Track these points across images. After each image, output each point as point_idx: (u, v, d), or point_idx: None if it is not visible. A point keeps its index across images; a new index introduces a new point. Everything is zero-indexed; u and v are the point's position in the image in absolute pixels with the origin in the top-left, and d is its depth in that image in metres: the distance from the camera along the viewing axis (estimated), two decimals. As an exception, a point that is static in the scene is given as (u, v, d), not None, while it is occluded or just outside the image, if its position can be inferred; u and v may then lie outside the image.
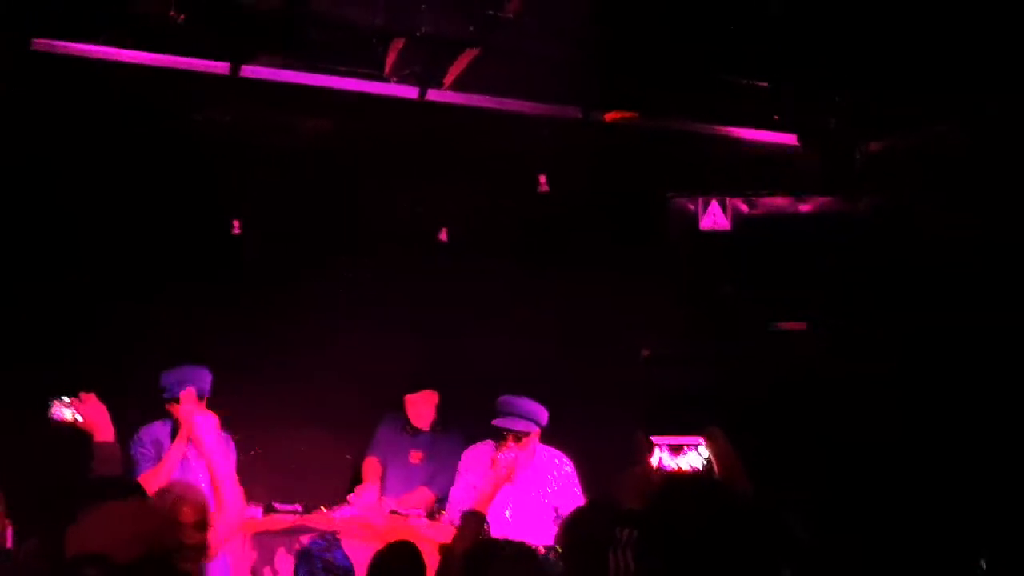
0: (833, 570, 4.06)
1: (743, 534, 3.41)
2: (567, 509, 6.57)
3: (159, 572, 3.61)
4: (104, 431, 5.14)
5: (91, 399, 5.24)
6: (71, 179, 7.10)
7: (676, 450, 4.94)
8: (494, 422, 6.54)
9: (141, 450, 6.62)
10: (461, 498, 6.57)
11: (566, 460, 6.75)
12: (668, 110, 7.21)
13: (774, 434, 5.85)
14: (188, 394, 6.36)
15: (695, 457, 4.91)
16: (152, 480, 6.30)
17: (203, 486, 6.51)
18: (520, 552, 4.47)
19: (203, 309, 7.59)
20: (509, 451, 6.45)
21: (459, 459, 6.95)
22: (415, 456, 7.55)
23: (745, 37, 6.49)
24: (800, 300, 6.60)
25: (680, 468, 5.00)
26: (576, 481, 6.69)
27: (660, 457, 5.01)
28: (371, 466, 7.54)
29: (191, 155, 7.15)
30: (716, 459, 4.45)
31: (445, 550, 5.06)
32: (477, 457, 6.72)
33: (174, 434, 6.52)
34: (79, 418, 5.24)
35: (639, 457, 5.06)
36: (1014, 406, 6.08)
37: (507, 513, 6.64)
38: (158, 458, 6.52)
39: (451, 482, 6.89)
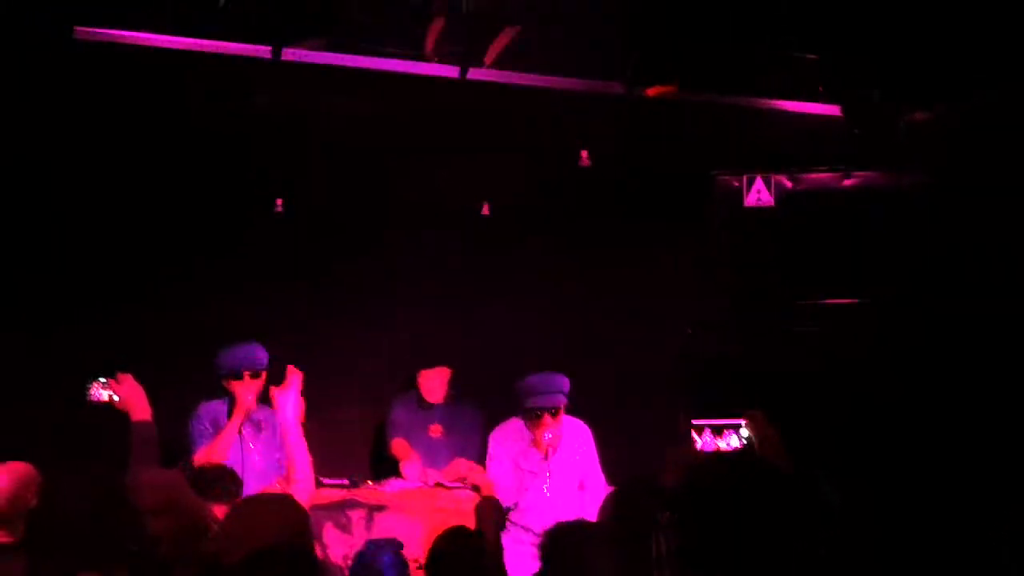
0: (865, 541, 4.05)
1: (783, 513, 3.41)
2: (590, 480, 6.64)
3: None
4: (141, 411, 5.14)
5: (128, 379, 5.23)
6: (118, 164, 7.15)
7: (718, 432, 4.94)
8: (532, 403, 6.56)
9: (199, 426, 6.67)
10: (502, 476, 6.62)
11: (586, 428, 6.77)
12: (710, 84, 7.16)
13: (817, 411, 5.83)
14: (247, 374, 6.44)
15: (736, 438, 4.91)
16: (206, 457, 6.41)
17: (258, 463, 6.65)
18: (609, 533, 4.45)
19: (248, 288, 7.65)
20: (551, 429, 6.57)
21: (476, 429, 7.07)
22: (435, 431, 7.54)
23: (787, 7, 6.44)
24: (845, 277, 6.55)
25: (721, 449, 5.01)
26: (595, 449, 6.73)
27: (703, 438, 5.02)
28: (401, 446, 7.55)
29: (234, 138, 7.19)
30: (757, 440, 4.45)
31: (476, 539, 5.05)
32: (508, 435, 6.77)
33: (230, 412, 6.61)
34: (116, 398, 5.27)
35: (682, 438, 5.07)
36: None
37: (545, 488, 6.68)
38: (215, 435, 6.60)
39: (477, 451, 6.94)
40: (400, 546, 4.57)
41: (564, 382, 6.64)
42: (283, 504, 4.05)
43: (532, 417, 6.60)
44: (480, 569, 4.48)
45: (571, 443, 6.76)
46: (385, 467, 7.55)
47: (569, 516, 6.22)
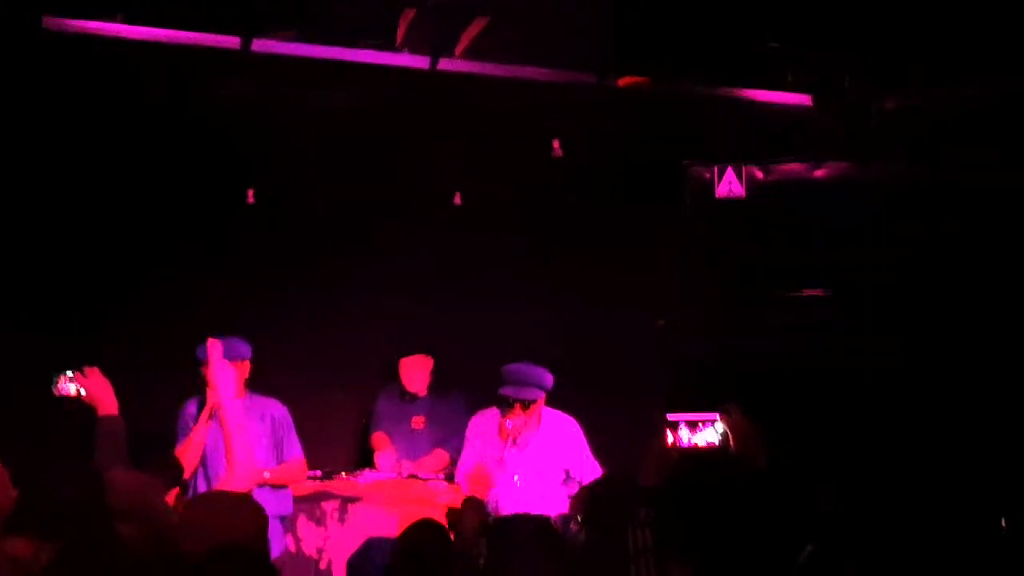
0: (858, 542, 4.08)
1: (760, 508, 3.44)
2: (578, 470, 6.64)
3: None
4: (108, 405, 5.11)
5: (95, 373, 5.20)
6: (86, 157, 7.10)
7: (694, 426, 4.95)
8: (501, 391, 6.55)
9: (181, 423, 6.70)
10: (468, 465, 6.62)
11: (573, 423, 6.77)
12: (682, 73, 7.16)
13: (790, 402, 5.85)
14: (214, 349, 6.37)
15: (711, 433, 4.92)
16: (182, 454, 6.38)
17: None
18: (539, 527, 4.47)
19: (222, 280, 7.62)
20: (515, 419, 6.53)
21: (462, 420, 7.00)
22: (417, 422, 7.55)
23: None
24: (816, 267, 6.57)
25: (697, 444, 5.02)
26: (586, 443, 6.73)
27: (678, 434, 5.03)
28: (380, 439, 7.56)
29: (204, 129, 7.14)
30: (732, 435, 4.46)
31: (442, 533, 5.04)
32: (484, 424, 6.74)
33: (202, 407, 6.59)
34: (83, 392, 5.24)
35: (657, 434, 5.07)
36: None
37: (516, 478, 6.67)
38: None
39: (462, 443, 6.93)
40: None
41: (543, 376, 6.61)
42: (243, 503, 4.06)
43: (503, 405, 6.58)
44: (445, 565, 4.47)
45: (552, 437, 6.71)
46: (370, 458, 7.56)
47: (546, 510, 6.24)
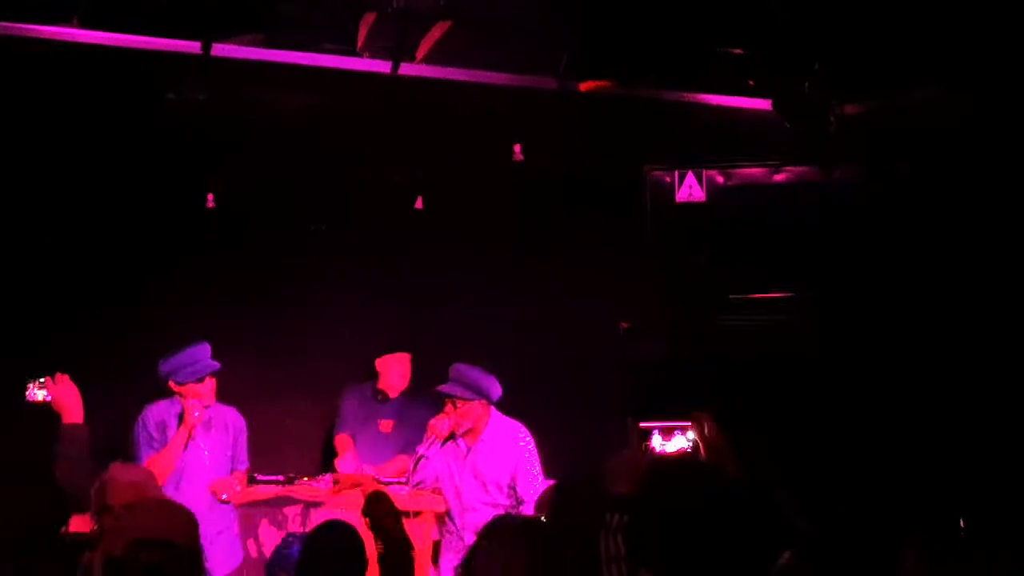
0: (833, 547, 4.10)
1: (732, 516, 3.45)
2: (522, 482, 6.57)
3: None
4: (73, 413, 5.09)
5: (64, 380, 5.18)
6: (45, 163, 7.06)
7: (666, 433, 4.97)
8: (438, 388, 6.56)
9: (143, 433, 6.64)
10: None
11: (524, 433, 6.65)
12: (643, 78, 7.18)
13: (755, 404, 5.88)
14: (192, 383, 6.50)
15: (682, 440, 4.94)
16: (157, 464, 6.35)
17: (207, 460, 6.62)
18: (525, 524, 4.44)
19: (183, 285, 7.60)
20: (443, 417, 6.52)
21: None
22: (385, 425, 7.50)
23: (717, 3, 6.47)
24: (776, 271, 6.60)
25: (667, 452, 5.04)
26: (532, 454, 6.61)
27: (649, 441, 5.04)
28: (343, 441, 7.51)
29: (165, 135, 7.10)
30: (702, 442, 4.47)
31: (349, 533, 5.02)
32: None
33: (180, 415, 6.58)
34: (49, 398, 5.21)
35: (628, 441, 5.09)
36: (993, 373, 6.12)
37: (458, 484, 6.65)
38: (164, 441, 6.58)
39: None
40: None
41: (483, 380, 6.57)
42: (168, 506, 4.06)
43: (442, 405, 6.60)
44: (356, 563, 4.46)
45: (500, 444, 6.65)
46: (333, 459, 7.54)
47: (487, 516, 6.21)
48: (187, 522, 3.86)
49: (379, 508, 5.11)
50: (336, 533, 4.61)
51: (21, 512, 3.86)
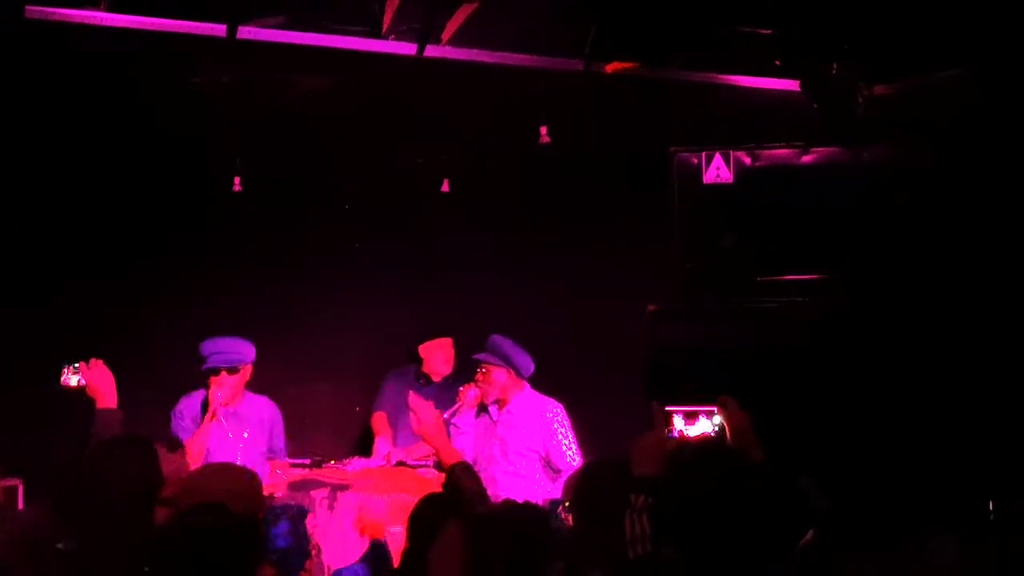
0: (854, 529, 4.07)
1: (756, 498, 3.45)
2: (555, 457, 6.68)
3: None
4: (107, 398, 5.13)
5: (98, 365, 5.23)
6: (73, 147, 7.09)
7: (691, 417, 4.94)
8: (473, 355, 6.78)
9: (179, 423, 6.73)
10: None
11: (557, 408, 6.81)
12: (669, 60, 7.15)
13: (780, 388, 5.84)
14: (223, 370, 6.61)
15: (706, 424, 4.92)
16: (188, 451, 6.38)
17: (242, 455, 6.65)
18: (529, 516, 4.42)
19: (212, 269, 7.64)
20: (472, 386, 6.79)
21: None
22: (424, 410, 7.54)
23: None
24: (804, 253, 6.56)
25: (690, 436, 5.03)
26: (564, 427, 6.75)
27: (674, 424, 5.03)
28: (379, 421, 7.58)
29: (191, 117, 7.11)
30: (729, 427, 4.45)
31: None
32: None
33: (205, 405, 6.60)
34: (84, 383, 5.24)
35: (654, 423, 5.07)
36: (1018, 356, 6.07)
37: (486, 456, 6.72)
38: (194, 431, 6.61)
39: None
40: (304, 514, 4.48)
41: (514, 352, 6.76)
42: (237, 471, 4.33)
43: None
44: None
45: (533, 420, 6.77)
46: (367, 440, 7.59)
47: (521, 491, 6.25)
48: (248, 487, 3.97)
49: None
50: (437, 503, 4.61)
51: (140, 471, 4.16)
